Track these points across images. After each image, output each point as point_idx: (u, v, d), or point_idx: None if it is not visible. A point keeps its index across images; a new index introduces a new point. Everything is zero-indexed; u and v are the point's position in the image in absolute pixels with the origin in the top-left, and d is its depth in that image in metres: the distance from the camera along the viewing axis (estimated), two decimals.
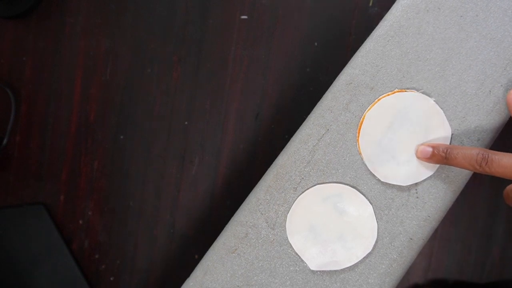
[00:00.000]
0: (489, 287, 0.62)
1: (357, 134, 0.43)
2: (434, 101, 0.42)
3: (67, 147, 0.65)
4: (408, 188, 0.42)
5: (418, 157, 0.42)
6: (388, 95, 0.42)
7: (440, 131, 0.42)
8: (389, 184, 0.42)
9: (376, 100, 0.42)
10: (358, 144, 0.43)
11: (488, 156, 0.37)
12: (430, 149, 0.41)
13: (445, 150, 0.40)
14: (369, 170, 0.42)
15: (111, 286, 0.65)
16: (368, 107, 0.42)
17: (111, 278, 0.65)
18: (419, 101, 0.42)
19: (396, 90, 0.42)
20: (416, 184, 0.42)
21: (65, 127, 0.65)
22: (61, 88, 0.65)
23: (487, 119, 0.42)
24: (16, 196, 0.66)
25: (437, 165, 0.42)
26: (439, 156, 0.40)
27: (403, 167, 0.42)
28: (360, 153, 0.43)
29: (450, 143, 0.42)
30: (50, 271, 0.64)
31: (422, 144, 0.42)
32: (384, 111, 0.42)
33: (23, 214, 0.65)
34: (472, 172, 0.42)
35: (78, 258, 0.65)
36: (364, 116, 0.43)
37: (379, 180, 0.42)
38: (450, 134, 0.42)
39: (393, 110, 0.42)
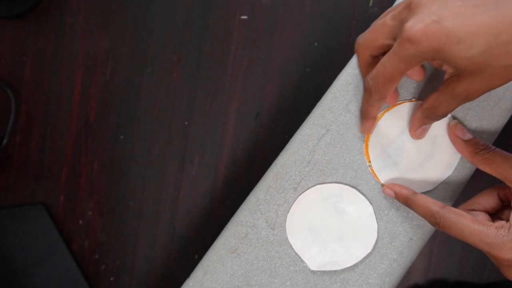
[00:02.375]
0: (489, 287, 0.62)
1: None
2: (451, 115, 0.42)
3: (67, 147, 0.65)
4: None
5: (384, 193, 0.42)
6: (411, 101, 0.42)
7: (447, 141, 0.42)
8: None
9: (398, 103, 0.42)
10: (367, 142, 0.42)
11: (440, 221, 0.36)
12: (393, 194, 0.41)
13: (405, 201, 0.39)
14: (369, 170, 0.42)
15: (111, 286, 0.65)
16: (388, 107, 0.42)
17: (111, 278, 0.65)
18: None
19: (413, 99, 0.42)
20: None
21: (65, 127, 0.65)
22: (61, 88, 0.65)
23: (487, 119, 0.42)
24: (16, 196, 0.66)
25: (439, 181, 0.42)
26: (402, 202, 0.40)
27: (403, 177, 0.42)
28: (366, 150, 0.42)
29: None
30: (50, 271, 0.64)
31: (387, 185, 0.41)
32: (401, 116, 0.42)
33: (23, 214, 0.65)
34: (472, 172, 0.43)
35: (78, 258, 0.65)
36: (383, 114, 0.42)
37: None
38: (458, 159, 0.42)
39: (409, 118, 0.42)
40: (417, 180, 0.42)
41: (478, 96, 0.32)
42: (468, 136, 0.39)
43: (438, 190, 0.42)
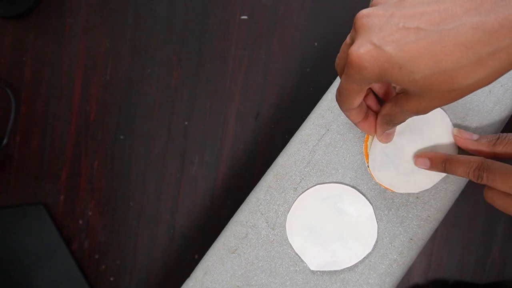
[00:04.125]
0: (489, 287, 0.62)
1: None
2: (449, 120, 0.42)
3: (67, 147, 0.65)
4: None
5: (417, 166, 0.41)
6: None
7: (444, 142, 0.42)
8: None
9: None
10: (366, 143, 0.42)
11: (484, 171, 0.35)
12: (428, 162, 0.40)
13: (443, 165, 0.39)
14: (368, 170, 0.42)
15: (111, 286, 0.65)
16: None
17: (111, 278, 0.65)
18: (436, 117, 0.42)
19: None
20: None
21: (65, 127, 0.65)
22: (61, 88, 0.65)
23: (487, 119, 0.42)
24: (16, 196, 0.66)
25: (434, 182, 0.42)
26: (438, 168, 0.40)
27: (401, 177, 0.42)
28: (366, 150, 0.42)
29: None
30: (50, 271, 0.64)
31: (419, 154, 0.41)
32: None
33: (23, 214, 0.65)
34: None
35: (78, 258, 0.65)
36: None
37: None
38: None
39: (411, 119, 0.42)
40: (415, 180, 0.42)
41: (429, 111, 0.32)
42: (476, 136, 0.40)
43: (438, 190, 0.42)
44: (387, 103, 0.35)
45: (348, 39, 0.33)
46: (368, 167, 0.42)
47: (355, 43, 0.30)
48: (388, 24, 0.29)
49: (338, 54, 0.35)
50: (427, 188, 0.42)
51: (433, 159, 0.40)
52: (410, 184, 0.42)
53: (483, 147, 0.38)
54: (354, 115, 0.36)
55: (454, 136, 0.41)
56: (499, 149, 0.37)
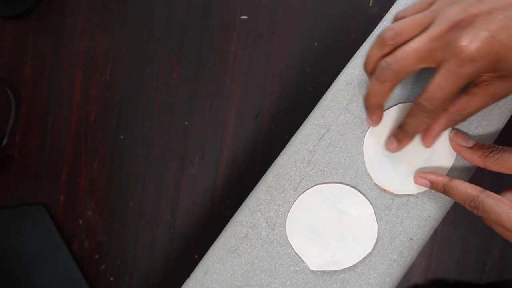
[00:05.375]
0: (489, 287, 0.62)
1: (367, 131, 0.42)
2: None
3: (67, 147, 0.65)
4: None
5: (417, 184, 0.41)
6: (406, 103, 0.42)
7: (446, 152, 0.41)
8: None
9: (396, 104, 0.42)
10: (364, 141, 0.42)
11: (479, 206, 0.36)
12: (428, 183, 0.40)
13: (443, 188, 0.39)
14: (368, 170, 0.42)
15: (111, 286, 0.65)
16: (387, 107, 0.42)
17: (111, 278, 0.65)
18: None
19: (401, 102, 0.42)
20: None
21: (65, 127, 0.65)
22: (61, 88, 0.65)
23: (487, 119, 0.42)
24: (16, 196, 0.66)
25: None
26: (437, 190, 0.40)
27: (400, 178, 0.42)
28: (362, 150, 0.43)
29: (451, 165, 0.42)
30: (50, 271, 0.64)
31: (420, 174, 0.41)
32: (398, 118, 0.42)
33: (23, 214, 0.65)
34: (472, 172, 0.42)
35: (78, 258, 0.65)
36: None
37: None
38: (454, 158, 0.42)
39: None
40: (413, 181, 0.42)
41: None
42: (472, 142, 0.39)
43: None
44: (458, 99, 0.36)
45: (430, 43, 0.34)
46: (364, 162, 0.43)
47: (463, 39, 0.32)
48: (490, 17, 0.32)
49: (404, 62, 0.35)
50: (427, 188, 0.42)
51: (433, 182, 0.40)
52: (410, 186, 0.42)
53: (476, 157, 0.39)
54: (428, 122, 0.37)
55: (450, 139, 0.41)
56: (490, 163, 0.38)
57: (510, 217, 0.34)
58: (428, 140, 0.40)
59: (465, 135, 0.40)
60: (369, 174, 0.43)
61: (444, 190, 0.39)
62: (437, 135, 0.40)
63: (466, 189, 0.37)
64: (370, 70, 0.39)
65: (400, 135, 0.40)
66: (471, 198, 0.37)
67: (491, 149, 0.38)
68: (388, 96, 0.38)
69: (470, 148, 0.39)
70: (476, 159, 0.39)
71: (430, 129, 0.39)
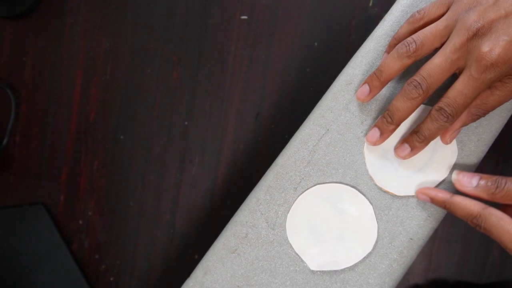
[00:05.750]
0: (489, 287, 0.62)
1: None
2: None
3: (67, 147, 0.65)
4: None
5: (418, 199, 0.42)
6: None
7: (447, 152, 0.41)
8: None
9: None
10: (365, 144, 0.42)
11: (481, 224, 0.36)
12: (429, 200, 0.41)
13: (443, 205, 0.39)
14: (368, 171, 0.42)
15: (111, 286, 0.65)
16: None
17: (111, 278, 0.65)
18: None
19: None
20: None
21: (65, 127, 0.65)
22: (61, 88, 0.65)
23: (487, 119, 0.42)
24: (16, 196, 0.66)
25: (435, 183, 0.42)
26: (439, 206, 0.40)
27: (402, 179, 0.42)
28: (363, 152, 0.43)
29: (454, 164, 0.42)
30: (50, 271, 0.64)
31: (421, 190, 0.41)
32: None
33: (23, 214, 0.65)
34: (474, 168, 0.42)
35: (78, 258, 0.65)
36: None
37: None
38: (456, 158, 0.42)
39: (409, 121, 0.42)
40: (415, 182, 0.42)
41: None
42: (475, 180, 0.39)
43: None
44: (482, 94, 0.37)
45: (452, 55, 0.35)
46: (365, 164, 0.42)
47: (484, 46, 0.33)
48: (508, 21, 0.33)
49: (433, 78, 0.37)
50: None
51: (434, 199, 0.40)
52: (410, 187, 0.42)
53: (483, 194, 0.38)
54: (446, 126, 0.38)
55: (454, 183, 0.40)
56: (498, 198, 0.38)
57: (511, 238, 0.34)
58: (448, 136, 0.40)
59: (467, 174, 0.39)
60: (370, 176, 0.43)
61: (445, 207, 0.39)
62: (458, 131, 0.40)
63: (468, 206, 0.37)
64: (387, 80, 0.40)
65: (415, 141, 0.40)
66: (473, 215, 0.37)
67: (496, 184, 0.37)
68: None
69: (475, 188, 0.39)
70: (483, 196, 0.39)
71: (451, 126, 0.40)
